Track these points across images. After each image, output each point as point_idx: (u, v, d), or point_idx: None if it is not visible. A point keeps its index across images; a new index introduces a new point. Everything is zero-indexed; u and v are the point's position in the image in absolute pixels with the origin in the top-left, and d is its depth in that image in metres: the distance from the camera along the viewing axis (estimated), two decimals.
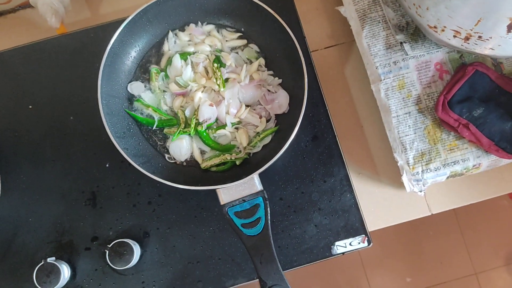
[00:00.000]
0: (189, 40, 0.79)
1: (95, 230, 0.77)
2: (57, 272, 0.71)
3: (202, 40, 0.79)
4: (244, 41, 0.79)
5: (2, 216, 0.78)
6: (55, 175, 0.79)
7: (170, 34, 0.79)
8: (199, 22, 0.80)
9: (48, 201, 0.78)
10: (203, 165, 0.75)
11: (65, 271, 0.73)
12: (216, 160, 0.74)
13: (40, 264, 0.72)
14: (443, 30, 0.69)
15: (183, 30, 0.80)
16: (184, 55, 0.78)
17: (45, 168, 0.79)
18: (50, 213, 0.78)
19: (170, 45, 0.79)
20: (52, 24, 0.81)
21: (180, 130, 0.74)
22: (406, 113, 0.77)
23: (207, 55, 0.78)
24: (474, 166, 0.76)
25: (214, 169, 0.75)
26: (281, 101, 0.75)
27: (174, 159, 0.76)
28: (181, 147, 0.75)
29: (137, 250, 0.74)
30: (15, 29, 0.92)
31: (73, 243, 0.76)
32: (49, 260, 0.72)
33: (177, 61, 0.77)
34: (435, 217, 0.85)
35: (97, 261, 0.76)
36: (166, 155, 0.76)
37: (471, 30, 0.67)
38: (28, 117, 0.81)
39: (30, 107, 0.81)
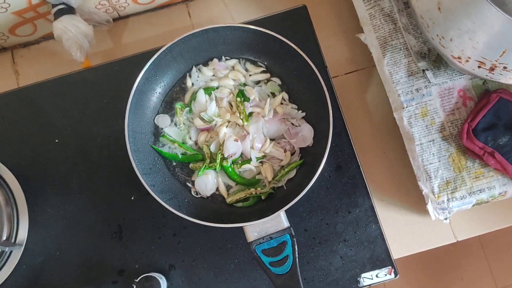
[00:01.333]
0: (213, 75, 0.80)
1: (122, 263, 0.77)
2: None
3: (225, 74, 0.79)
4: (268, 75, 0.80)
5: (30, 249, 0.78)
6: (82, 208, 0.79)
7: (194, 69, 0.80)
8: (223, 57, 0.80)
9: (75, 234, 0.79)
10: (228, 200, 0.75)
11: None
12: (242, 195, 0.74)
13: None
14: (467, 61, 0.69)
15: (206, 65, 0.81)
16: (208, 90, 0.78)
17: (71, 201, 0.80)
18: (77, 247, 0.78)
19: (194, 80, 0.80)
20: (77, 59, 0.82)
21: (205, 165, 0.74)
22: (430, 141, 0.77)
23: (231, 90, 0.79)
24: (500, 194, 0.76)
25: (239, 204, 0.76)
26: (305, 134, 0.75)
27: (200, 193, 0.76)
28: (207, 182, 0.75)
29: (163, 283, 0.74)
30: (39, 60, 0.93)
31: (100, 276, 0.77)
32: None
33: (202, 96, 0.77)
34: None
35: None
36: (192, 190, 0.77)
37: (496, 61, 0.66)
38: (54, 151, 0.82)
39: (57, 140, 0.82)
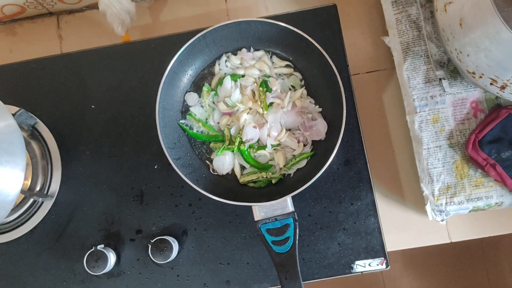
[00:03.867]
0: (240, 64, 0.84)
1: (140, 224, 0.83)
2: (105, 259, 0.78)
3: (252, 64, 0.83)
4: (291, 70, 0.83)
5: (60, 201, 0.85)
6: (110, 170, 0.85)
7: (223, 56, 0.84)
8: (251, 48, 0.84)
9: (102, 192, 0.84)
10: (241, 180, 0.80)
11: (112, 258, 0.80)
12: (254, 177, 0.79)
13: (90, 250, 0.79)
14: (480, 77, 0.72)
15: (235, 53, 0.84)
16: (234, 77, 0.82)
17: (101, 162, 0.85)
18: (103, 204, 0.84)
19: (222, 67, 0.84)
20: (118, 33, 0.88)
21: (224, 146, 0.79)
22: (437, 147, 0.80)
23: (255, 79, 0.83)
24: (496, 203, 0.79)
25: (251, 184, 0.80)
26: (319, 128, 0.79)
27: (217, 171, 0.82)
28: (224, 162, 0.80)
29: (175, 247, 0.80)
30: (82, 28, 0.99)
31: (120, 233, 0.83)
32: (99, 247, 0.79)
33: (228, 82, 0.81)
34: None
35: (140, 252, 0.82)
36: (210, 167, 0.82)
37: (508, 80, 0.68)
38: (90, 115, 0.87)
39: (93, 106, 0.87)
